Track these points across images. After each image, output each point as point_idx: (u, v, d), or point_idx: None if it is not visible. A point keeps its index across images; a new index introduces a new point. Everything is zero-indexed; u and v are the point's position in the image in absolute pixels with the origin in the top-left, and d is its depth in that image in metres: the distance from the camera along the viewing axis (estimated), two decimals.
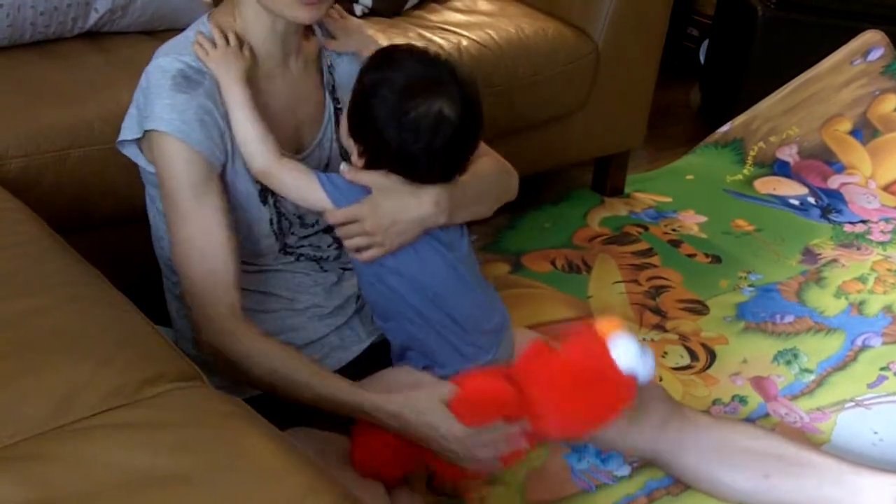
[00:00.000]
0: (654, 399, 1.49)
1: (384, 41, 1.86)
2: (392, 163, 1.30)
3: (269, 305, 1.40)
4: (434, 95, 1.27)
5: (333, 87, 1.40)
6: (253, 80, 1.30)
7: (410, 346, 1.39)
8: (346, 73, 1.40)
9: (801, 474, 1.45)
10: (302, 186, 1.30)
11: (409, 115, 1.26)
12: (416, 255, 1.35)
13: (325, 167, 1.38)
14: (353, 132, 1.31)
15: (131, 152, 1.33)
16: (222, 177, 1.29)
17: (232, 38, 1.29)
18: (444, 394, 1.28)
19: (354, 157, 1.32)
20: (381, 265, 1.34)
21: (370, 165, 1.31)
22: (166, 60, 1.27)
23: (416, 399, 1.28)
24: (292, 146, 1.36)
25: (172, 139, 1.24)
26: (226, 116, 1.27)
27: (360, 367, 1.42)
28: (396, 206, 1.30)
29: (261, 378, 1.28)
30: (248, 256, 1.35)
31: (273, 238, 1.36)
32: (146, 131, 1.27)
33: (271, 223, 1.35)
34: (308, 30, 1.38)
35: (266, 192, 1.32)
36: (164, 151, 1.25)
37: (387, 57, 1.31)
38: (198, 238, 1.26)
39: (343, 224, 1.30)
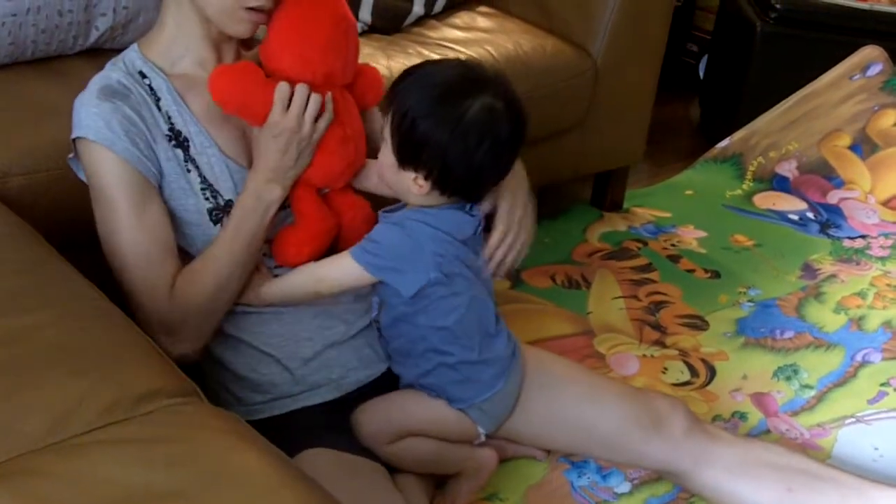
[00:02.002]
0: (676, 411, 1.48)
1: (383, 59, 1.88)
2: (459, 179, 1.25)
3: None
4: (477, 92, 1.23)
5: None
6: (192, 88, 1.30)
7: (420, 383, 1.40)
8: None
9: (825, 489, 1.43)
10: (345, 272, 1.29)
11: (465, 118, 1.22)
12: (454, 295, 1.32)
13: None
14: (409, 162, 1.25)
15: (74, 165, 1.35)
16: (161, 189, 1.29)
17: None
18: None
19: (415, 189, 1.27)
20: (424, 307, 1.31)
21: (436, 187, 1.26)
22: (98, 76, 1.30)
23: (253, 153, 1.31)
24: (244, 150, 1.34)
25: (100, 147, 1.26)
26: (155, 130, 1.28)
27: (381, 389, 1.42)
28: (518, 193, 1.41)
29: (214, 306, 1.29)
30: None
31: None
32: (74, 140, 1.28)
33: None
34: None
35: (218, 212, 1.32)
36: (93, 159, 1.27)
37: (412, 75, 1.28)
38: (143, 244, 1.27)
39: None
